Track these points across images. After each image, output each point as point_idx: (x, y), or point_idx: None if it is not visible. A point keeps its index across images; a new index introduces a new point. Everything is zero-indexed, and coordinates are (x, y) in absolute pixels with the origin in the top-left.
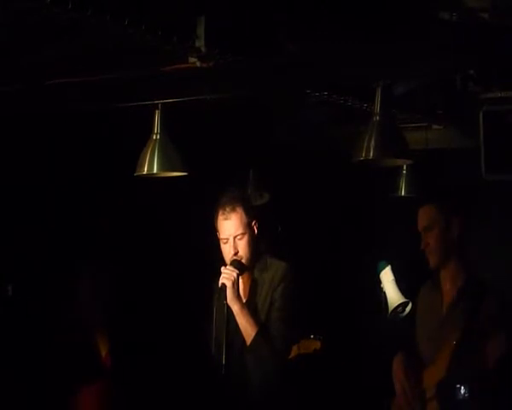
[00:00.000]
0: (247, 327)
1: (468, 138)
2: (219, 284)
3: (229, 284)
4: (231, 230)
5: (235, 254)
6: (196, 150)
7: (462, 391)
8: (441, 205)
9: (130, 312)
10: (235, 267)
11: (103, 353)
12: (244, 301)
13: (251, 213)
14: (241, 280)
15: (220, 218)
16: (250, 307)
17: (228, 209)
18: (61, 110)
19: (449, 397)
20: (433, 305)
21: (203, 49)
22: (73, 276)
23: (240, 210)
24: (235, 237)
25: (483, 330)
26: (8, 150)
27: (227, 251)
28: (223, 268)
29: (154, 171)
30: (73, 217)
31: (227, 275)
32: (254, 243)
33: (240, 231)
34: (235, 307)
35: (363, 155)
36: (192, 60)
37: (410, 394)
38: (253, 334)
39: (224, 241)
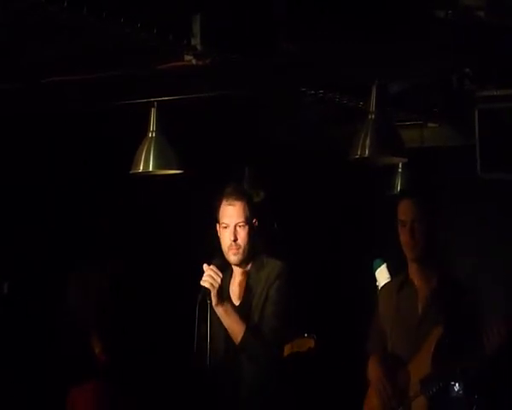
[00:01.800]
0: (234, 328)
1: (464, 136)
2: (201, 286)
3: (213, 292)
4: (234, 216)
5: (235, 240)
6: (195, 149)
7: (456, 389)
8: (427, 202)
9: (129, 311)
10: (217, 266)
11: (97, 351)
12: (240, 300)
13: (253, 210)
14: (237, 280)
15: (224, 203)
16: (245, 305)
17: (233, 197)
18: (59, 109)
19: (438, 394)
20: (408, 303)
21: (199, 47)
22: (68, 275)
23: (244, 201)
24: (236, 225)
25: (462, 328)
26: (7, 150)
27: (226, 238)
28: (205, 266)
29: (150, 169)
30: (73, 217)
31: (210, 279)
32: (252, 239)
33: (242, 219)
34: (220, 310)
35: (359, 152)
36: (188, 58)
37: (391, 391)
38: (242, 333)
39: (225, 225)
